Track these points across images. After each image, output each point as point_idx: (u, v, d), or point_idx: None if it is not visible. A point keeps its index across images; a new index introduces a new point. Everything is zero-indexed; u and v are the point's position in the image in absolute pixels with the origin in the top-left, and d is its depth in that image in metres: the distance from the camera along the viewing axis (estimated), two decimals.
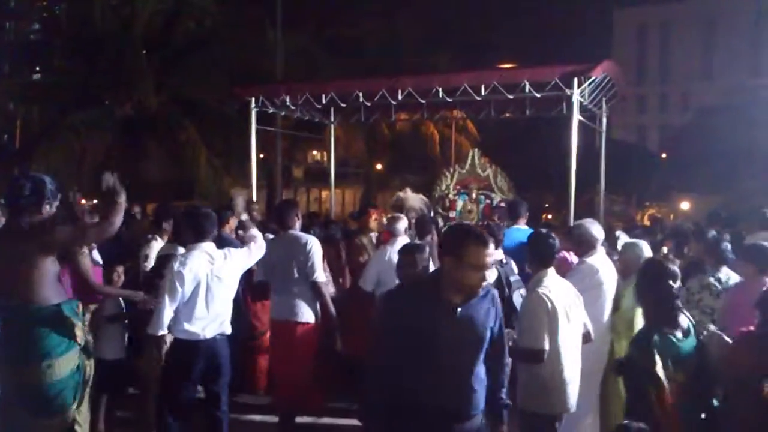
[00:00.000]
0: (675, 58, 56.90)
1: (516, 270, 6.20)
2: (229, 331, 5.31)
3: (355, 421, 6.13)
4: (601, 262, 5.53)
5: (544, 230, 5.00)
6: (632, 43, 58.17)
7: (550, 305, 4.39)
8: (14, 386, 3.98)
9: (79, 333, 4.11)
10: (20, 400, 3.96)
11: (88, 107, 17.80)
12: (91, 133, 17.51)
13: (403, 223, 6.78)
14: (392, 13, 25.96)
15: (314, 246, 6.07)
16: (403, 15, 26.39)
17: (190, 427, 5.32)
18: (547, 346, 4.34)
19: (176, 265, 5.00)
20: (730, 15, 50.82)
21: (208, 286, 5.12)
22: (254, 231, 5.81)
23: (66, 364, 4.00)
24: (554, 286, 4.51)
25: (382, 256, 6.54)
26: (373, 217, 8.06)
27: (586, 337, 4.71)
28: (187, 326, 5.08)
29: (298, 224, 6.29)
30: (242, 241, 6.08)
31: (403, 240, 6.53)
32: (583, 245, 5.60)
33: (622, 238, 6.79)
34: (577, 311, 4.58)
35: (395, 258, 5.13)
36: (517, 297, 5.71)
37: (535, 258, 4.70)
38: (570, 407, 4.54)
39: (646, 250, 5.81)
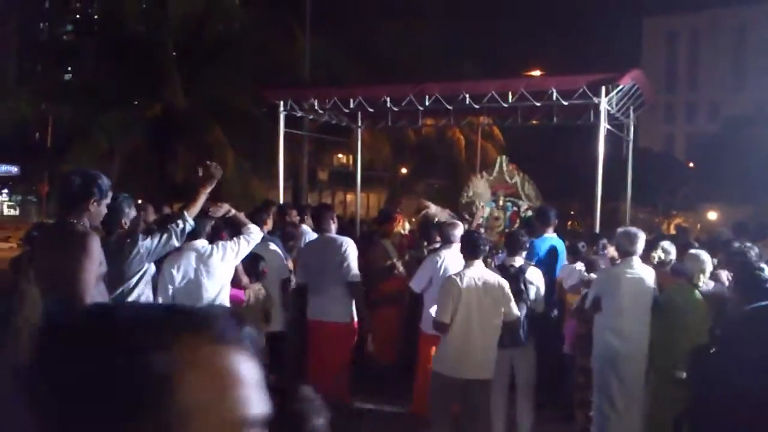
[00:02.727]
0: (704, 66, 56.38)
1: (536, 279, 6.17)
2: None
3: (379, 423, 6.23)
4: (632, 269, 5.81)
5: (474, 231, 6.17)
6: (661, 52, 57.72)
7: (458, 288, 5.32)
8: None
9: None
10: None
11: (119, 108, 18.03)
12: (120, 133, 17.72)
13: (459, 230, 6.76)
14: (417, 20, 26.02)
15: (349, 247, 6.22)
16: (428, 21, 26.43)
17: None
18: (448, 320, 5.32)
19: (165, 265, 5.28)
20: (760, 23, 50.16)
21: (197, 281, 5.37)
22: (250, 225, 5.85)
23: None
24: (473, 274, 5.41)
25: (435, 260, 6.54)
26: (398, 222, 8.11)
27: (512, 324, 5.52)
28: None
29: (334, 227, 6.45)
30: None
31: (457, 247, 6.54)
32: (619, 252, 6.09)
33: (670, 249, 6.77)
34: (494, 299, 5.37)
35: (450, 263, 6.08)
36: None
37: (464, 251, 5.74)
38: (470, 376, 5.31)
39: (707, 259, 5.96)
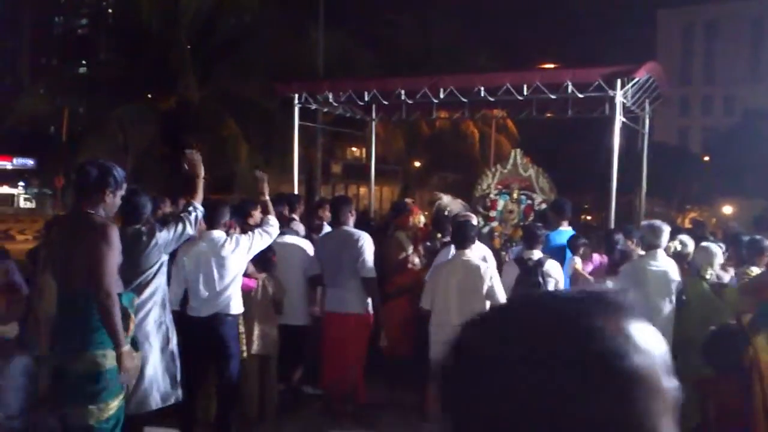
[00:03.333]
0: (720, 59, 55.92)
1: (554, 272, 6.17)
2: (234, 311, 5.58)
3: (392, 415, 6.27)
4: (656, 261, 5.85)
5: (465, 219, 6.30)
6: (677, 44, 57.28)
7: (438, 276, 5.72)
8: (67, 372, 4.07)
9: (132, 326, 4.21)
10: (72, 385, 4.05)
11: (133, 101, 18.11)
12: (135, 126, 17.81)
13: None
14: (431, 12, 25.94)
15: (366, 242, 6.23)
16: (442, 13, 26.35)
17: (195, 401, 5.63)
18: (427, 306, 5.73)
19: (180, 253, 5.41)
20: None
21: (209, 270, 5.46)
22: (270, 217, 5.92)
23: None
24: (457, 262, 5.72)
25: (447, 254, 6.55)
26: (414, 214, 8.10)
27: None
28: (192, 304, 5.54)
29: (351, 220, 6.47)
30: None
31: None
32: (644, 245, 6.16)
33: (687, 242, 6.78)
34: (475, 284, 5.56)
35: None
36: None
37: (455, 239, 6.01)
38: (438, 356, 5.12)
39: (718, 252, 6.06)
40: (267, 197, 5.96)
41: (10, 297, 5.43)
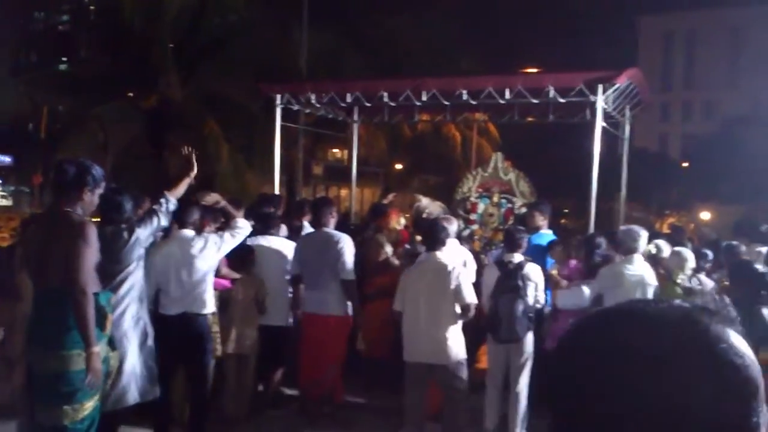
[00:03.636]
0: (700, 66, 56.42)
1: (534, 275, 6.20)
2: (204, 310, 5.61)
3: (370, 416, 6.28)
4: (633, 265, 5.93)
5: (436, 221, 6.17)
6: (658, 51, 57.73)
7: (408, 277, 5.71)
8: (43, 370, 4.03)
9: (109, 324, 4.18)
10: (46, 385, 4.01)
11: (114, 99, 17.98)
12: (116, 124, 17.67)
13: (453, 226, 6.74)
14: (417, 15, 25.95)
15: (346, 244, 6.24)
16: (427, 17, 26.36)
17: (169, 400, 5.64)
18: (399, 308, 5.71)
19: (150, 252, 5.40)
20: (757, 23, 50.21)
21: (177, 270, 5.51)
22: (239, 219, 5.91)
23: None
24: (427, 262, 5.71)
25: None
26: (393, 216, 8.11)
27: (464, 310, 5.58)
28: (163, 302, 5.59)
29: (332, 222, 6.46)
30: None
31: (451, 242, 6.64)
32: (621, 249, 6.18)
33: (662, 247, 6.86)
34: (443, 285, 5.51)
35: None
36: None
37: (425, 240, 6.11)
38: (425, 360, 5.59)
39: (690, 257, 6.12)
40: (224, 201, 5.89)
41: None
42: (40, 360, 4.02)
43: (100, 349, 4.02)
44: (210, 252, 5.59)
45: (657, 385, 0.78)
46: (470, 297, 5.59)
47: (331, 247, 6.22)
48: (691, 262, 6.03)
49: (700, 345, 0.81)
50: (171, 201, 4.96)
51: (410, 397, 5.73)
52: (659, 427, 0.78)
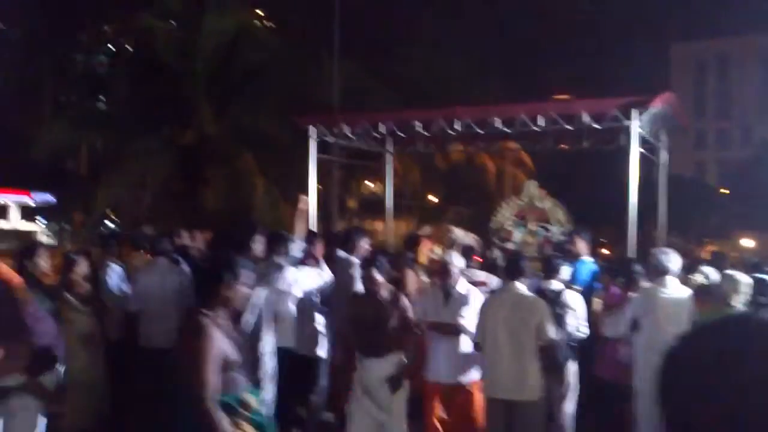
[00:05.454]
0: (733, 92, 55.89)
1: (574, 303, 6.11)
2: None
3: None
4: (666, 288, 5.81)
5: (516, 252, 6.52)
6: (690, 78, 57.33)
7: (487, 308, 5.51)
8: None
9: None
10: None
11: (150, 136, 18.24)
12: (152, 160, 17.90)
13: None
14: (446, 43, 26.07)
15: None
16: (456, 45, 26.48)
17: None
18: (478, 340, 5.53)
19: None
20: None
21: (163, 300, 6.15)
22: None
23: None
24: (506, 294, 5.58)
25: None
26: (425, 247, 8.08)
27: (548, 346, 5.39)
28: None
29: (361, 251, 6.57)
30: None
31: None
32: (652, 272, 6.04)
33: (710, 274, 6.72)
34: (523, 319, 5.32)
35: None
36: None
37: (507, 270, 5.86)
38: (505, 396, 5.33)
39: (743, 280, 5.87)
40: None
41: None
42: None
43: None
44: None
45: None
46: (551, 333, 5.39)
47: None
48: (745, 285, 5.79)
49: None
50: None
51: None
52: None
